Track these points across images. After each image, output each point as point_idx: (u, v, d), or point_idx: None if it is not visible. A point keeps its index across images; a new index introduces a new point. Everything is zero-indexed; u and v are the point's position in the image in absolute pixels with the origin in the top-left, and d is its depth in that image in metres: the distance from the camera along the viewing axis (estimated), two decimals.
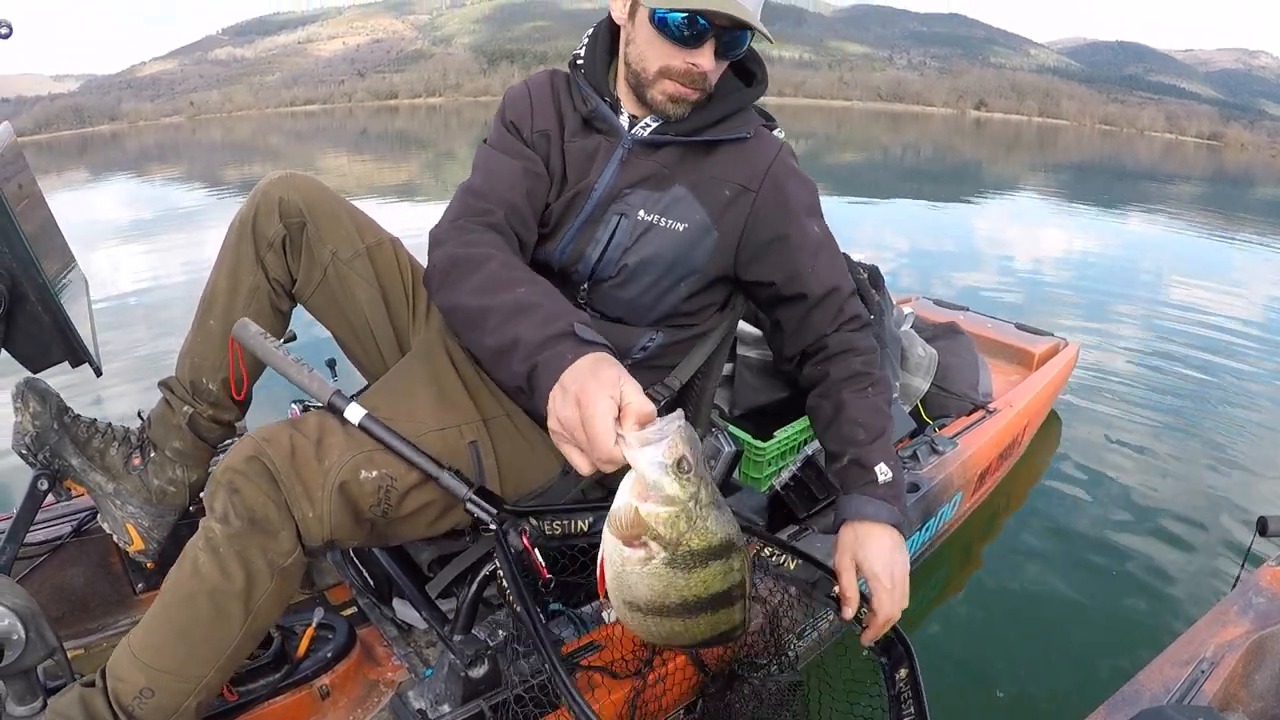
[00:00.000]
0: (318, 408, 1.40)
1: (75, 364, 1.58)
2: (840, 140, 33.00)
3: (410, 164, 20.78)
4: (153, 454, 1.69)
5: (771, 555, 1.45)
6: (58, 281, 1.58)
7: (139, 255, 8.13)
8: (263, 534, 1.30)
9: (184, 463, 1.71)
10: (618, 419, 0.98)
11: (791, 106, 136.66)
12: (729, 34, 1.40)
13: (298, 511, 1.31)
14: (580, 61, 1.60)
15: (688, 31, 1.38)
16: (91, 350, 1.62)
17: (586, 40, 1.61)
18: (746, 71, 1.62)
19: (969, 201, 13.42)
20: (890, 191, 14.39)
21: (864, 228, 9.77)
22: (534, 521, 1.34)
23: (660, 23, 1.39)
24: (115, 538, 1.68)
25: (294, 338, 2.18)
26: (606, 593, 1.06)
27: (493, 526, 1.30)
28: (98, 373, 1.67)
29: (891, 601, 1.37)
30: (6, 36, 1.45)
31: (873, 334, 2.49)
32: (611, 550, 1.02)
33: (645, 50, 1.45)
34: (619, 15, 1.51)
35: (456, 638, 1.46)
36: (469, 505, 1.33)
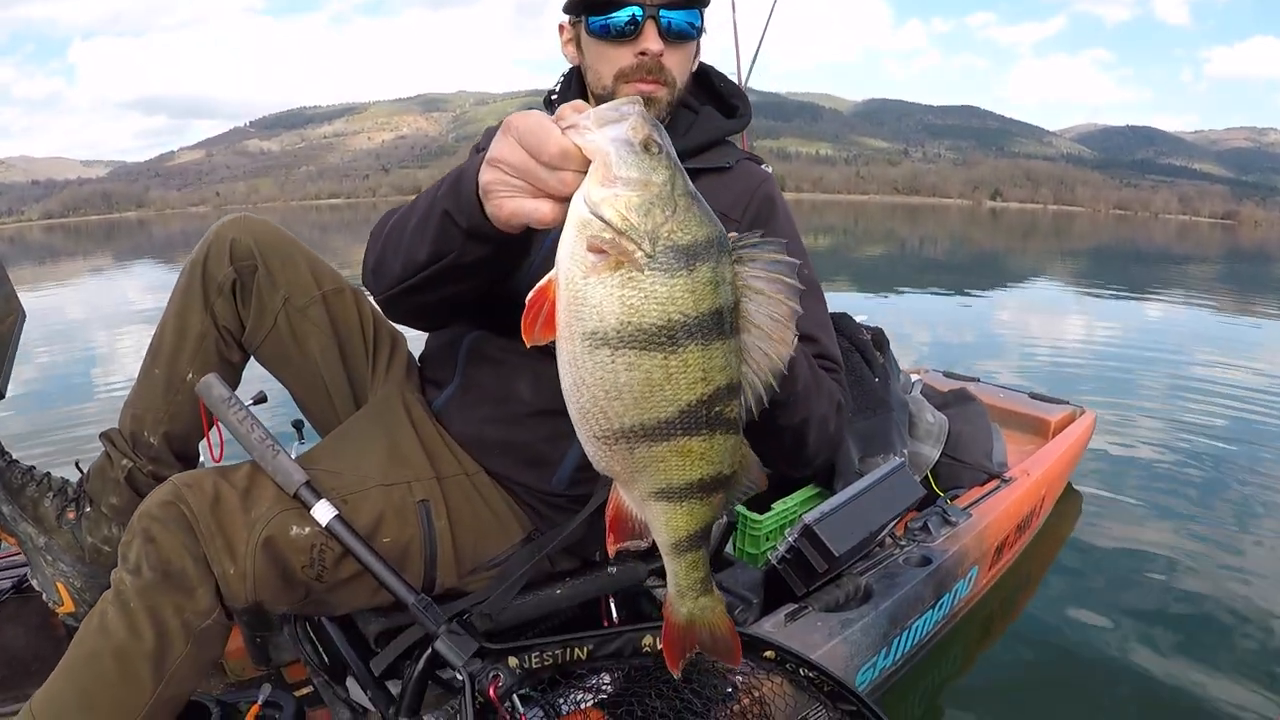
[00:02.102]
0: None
1: None
2: (858, 234, 33.01)
3: None
4: (88, 509, 1.57)
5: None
6: None
7: None
8: (177, 590, 1.17)
9: (120, 520, 1.56)
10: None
11: (809, 202, 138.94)
12: (668, 13, 1.35)
13: (217, 567, 1.18)
14: (555, 98, 1.54)
15: (625, 23, 1.35)
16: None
17: (559, 82, 1.56)
18: (731, 106, 1.57)
19: (986, 292, 13.20)
20: (908, 283, 14.25)
21: (882, 319, 9.63)
22: (515, 660, 1.21)
23: (600, 30, 1.37)
24: (45, 596, 1.55)
25: (264, 399, 2.05)
26: (555, 338, 0.82)
27: (459, 676, 1.17)
28: None
29: None
30: None
31: (877, 397, 2.36)
32: (568, 261, 0.79)
33: (599, 66, 1.41)
34: (571, 56, 1.50)
35: None
36: (440, 645, 1.22)
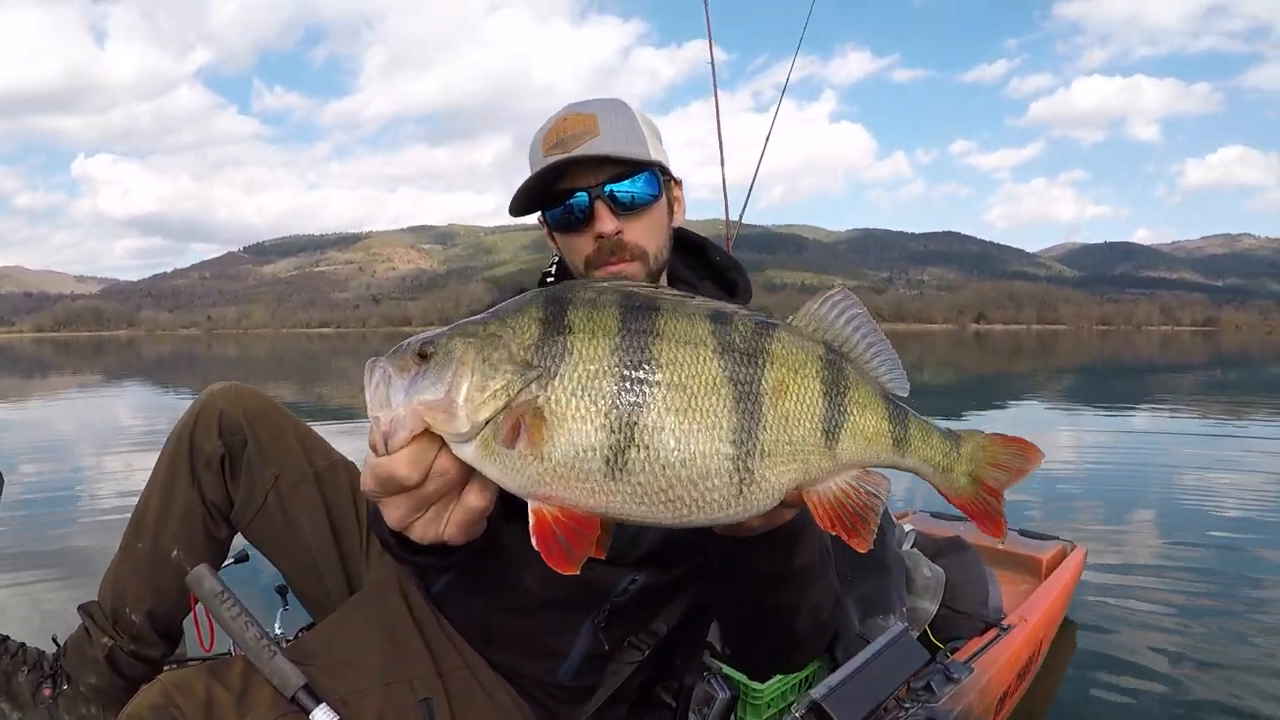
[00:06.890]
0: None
1: None
2: None
3: None
4: (65, 686, 1.52)
5: None
6: None
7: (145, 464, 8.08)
8: None
9: (100, 701, 1.52)
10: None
11: None
12: (614, 187, 1.34)
13: None
14: (550, 278, 1.55)
15: (571, 210, 1.35)
16: None
17: (553, 263, 1.56)
18: (730, 282, 1.56)
19: (973, 416, 13.24)
20: None
21: None
22: None
23: (556, 223, 1.39)
24: None
25: (246, 558, 2.00)
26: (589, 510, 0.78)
27: None
28: None
29: None
30: None
31: (876, 558, 2.34)
32: (511, 476, 0.77)
33: (568, 254, 1.42)
34: (553, 247, 1.50)
35: None
36: None
